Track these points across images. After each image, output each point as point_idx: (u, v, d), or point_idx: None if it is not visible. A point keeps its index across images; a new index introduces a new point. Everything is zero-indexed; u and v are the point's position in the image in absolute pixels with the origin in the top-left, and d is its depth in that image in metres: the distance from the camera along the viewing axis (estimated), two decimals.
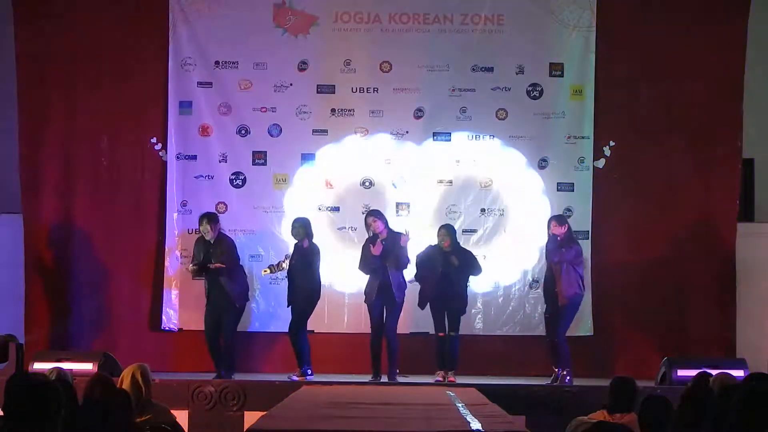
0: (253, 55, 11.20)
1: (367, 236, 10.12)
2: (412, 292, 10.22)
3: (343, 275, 10.93)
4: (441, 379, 9.93)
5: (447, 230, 10.12)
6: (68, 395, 5.04)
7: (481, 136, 11.22)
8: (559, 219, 10.16)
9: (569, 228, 10.07)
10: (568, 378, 9.74)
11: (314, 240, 10.21)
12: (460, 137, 11.20)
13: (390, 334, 9.98)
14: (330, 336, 10.94)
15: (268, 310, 11.04)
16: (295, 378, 9.86)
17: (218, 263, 9.97)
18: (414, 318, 10.48)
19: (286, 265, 10.16)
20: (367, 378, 9.94)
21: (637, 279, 11.04)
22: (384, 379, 9.91)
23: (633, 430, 5.10)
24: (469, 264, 10.05)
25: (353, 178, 11.22)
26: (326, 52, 11.21)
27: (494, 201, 11.17)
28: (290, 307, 10.09)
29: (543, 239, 10.52)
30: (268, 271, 10.33)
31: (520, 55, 11.18)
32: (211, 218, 10.20)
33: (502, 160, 11.18)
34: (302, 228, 10.12)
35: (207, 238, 10.13)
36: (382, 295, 9.91)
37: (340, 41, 11.22)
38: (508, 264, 11.01)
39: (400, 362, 10.04)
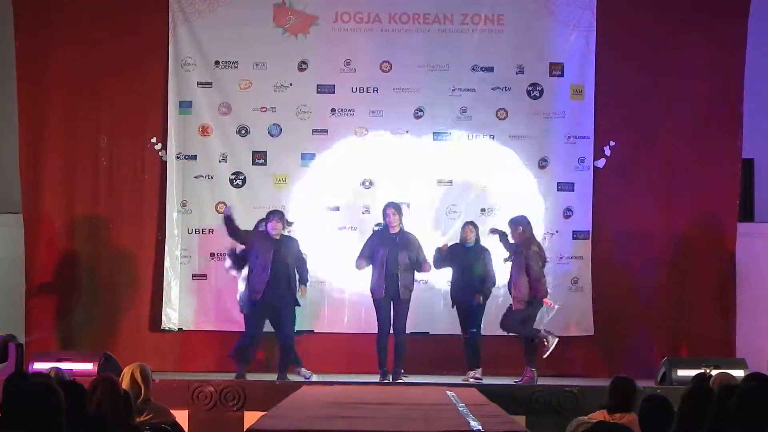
0: (253, 55, 11.20)
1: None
2: (417, 291, 10.26)
3: (342, 275, 10.93)
4: (466, 379, 9.88)
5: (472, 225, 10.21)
6: (78, 397, 5.04)
7: (481, 136, 11.22)
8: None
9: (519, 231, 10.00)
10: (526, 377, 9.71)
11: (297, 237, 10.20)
12: (460, 137, 11.20)
13: (397, 334, 9.94)
14: (330, 336, 10.95)
15: None
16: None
17: None
18: (414, 318, 10.46)
19: None
20: (367, 378, 9.93)
21: (637, 279, 11.05)
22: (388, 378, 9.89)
23: (633, 430, 5.10)
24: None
25: (353, 178, 11.22)
26: (326, 52, 11.21)
27: (494, 201, 11.17)
28: None
29: (541, 239, 10.55)
30: None
31: (520, 55, 11.19)
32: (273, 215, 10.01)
33: (502, 159, 11.18)
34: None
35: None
36: (389, 292, 9.84)
37: (340, 41, 11.22)
38: (507, 264, 10.99)
39: (406, 363, 10.03)
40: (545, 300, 9.83)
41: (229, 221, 9.84)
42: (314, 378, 9.88)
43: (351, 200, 11.19)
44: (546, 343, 9.63)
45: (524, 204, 11.02)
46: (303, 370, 10.01)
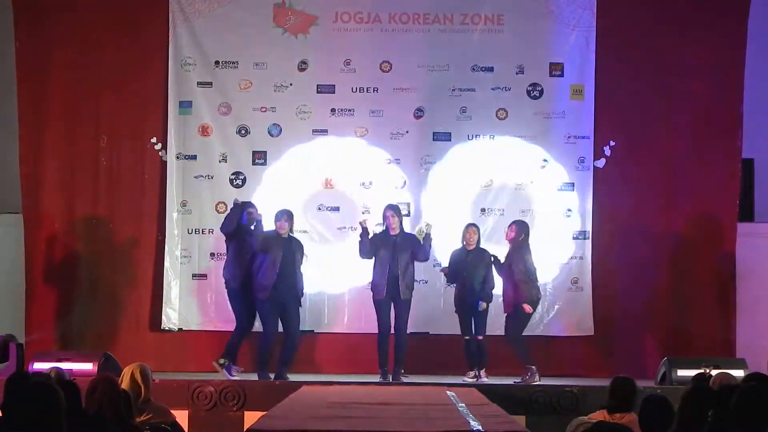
0: (253, 55, 11.20)
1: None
2: (418, 291, 10.27)
3: (343, 275, 10.93)
4: (469, 379, 9.90)
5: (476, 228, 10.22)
6: (74, 396, 5.04)
7: (481, 136, 11.22)
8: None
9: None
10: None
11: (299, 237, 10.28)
12: (460, 137, 11.20)
13: (397, 334, 9.96)
14: (330, 336, 10.95)
15: None
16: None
17: None
18: (414, 318, 10.46)
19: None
20: (367, 378, 9.92)
21: (637, 279, 11.04)
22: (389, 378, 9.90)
23: (633, 430, 5.09)
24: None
25: (353, 178, 11.21)
26: (326, 52, 11.21)
27: (494, 201, 11.17)
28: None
29: (542, 239, 10.57)
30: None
31: (520, 55, 11.19)
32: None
33: (502, 160, 11.17)
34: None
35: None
36: (390, 293, 9.88)
37: (340, 41, 11.22)
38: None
39: (406, 363, 10.04)
40: (524, 305, 9.89)
41: (258, 226, 9.96)
42: (237, 377, 9.81)
43: (351, 200, 11.19)
44: (527, 376, 9.72)
45: (525, 204, 11.04)
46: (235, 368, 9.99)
